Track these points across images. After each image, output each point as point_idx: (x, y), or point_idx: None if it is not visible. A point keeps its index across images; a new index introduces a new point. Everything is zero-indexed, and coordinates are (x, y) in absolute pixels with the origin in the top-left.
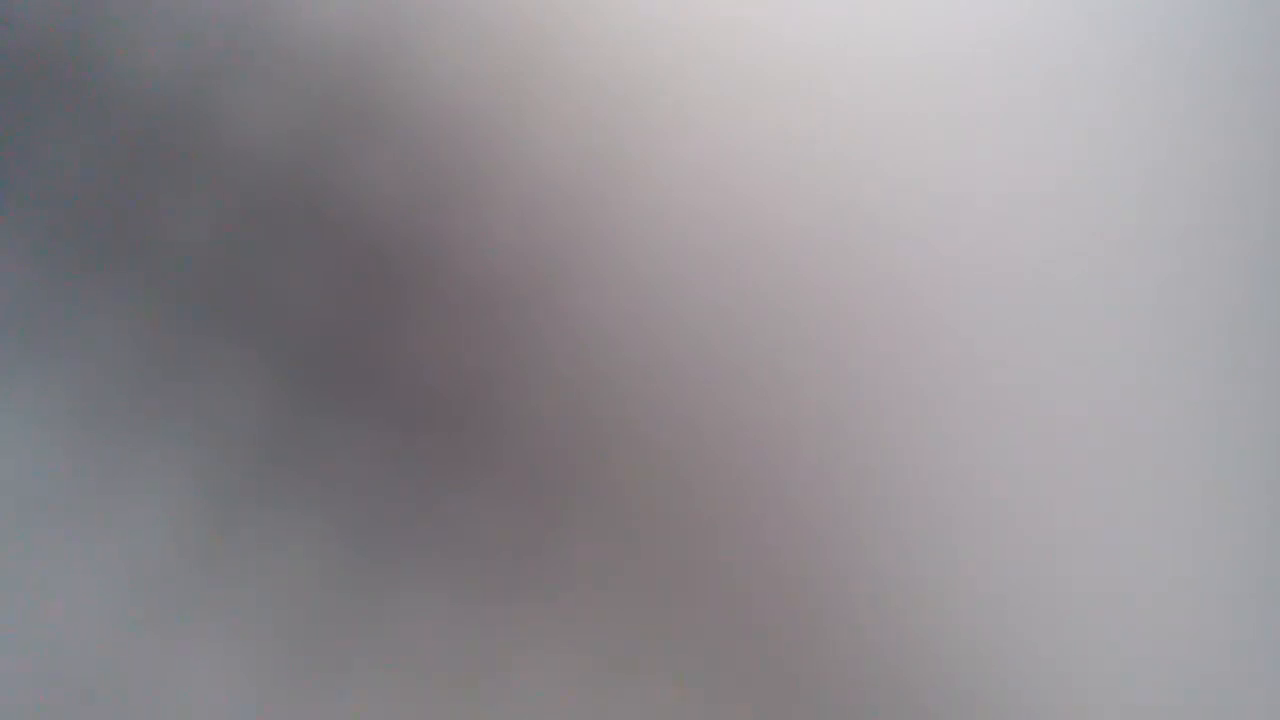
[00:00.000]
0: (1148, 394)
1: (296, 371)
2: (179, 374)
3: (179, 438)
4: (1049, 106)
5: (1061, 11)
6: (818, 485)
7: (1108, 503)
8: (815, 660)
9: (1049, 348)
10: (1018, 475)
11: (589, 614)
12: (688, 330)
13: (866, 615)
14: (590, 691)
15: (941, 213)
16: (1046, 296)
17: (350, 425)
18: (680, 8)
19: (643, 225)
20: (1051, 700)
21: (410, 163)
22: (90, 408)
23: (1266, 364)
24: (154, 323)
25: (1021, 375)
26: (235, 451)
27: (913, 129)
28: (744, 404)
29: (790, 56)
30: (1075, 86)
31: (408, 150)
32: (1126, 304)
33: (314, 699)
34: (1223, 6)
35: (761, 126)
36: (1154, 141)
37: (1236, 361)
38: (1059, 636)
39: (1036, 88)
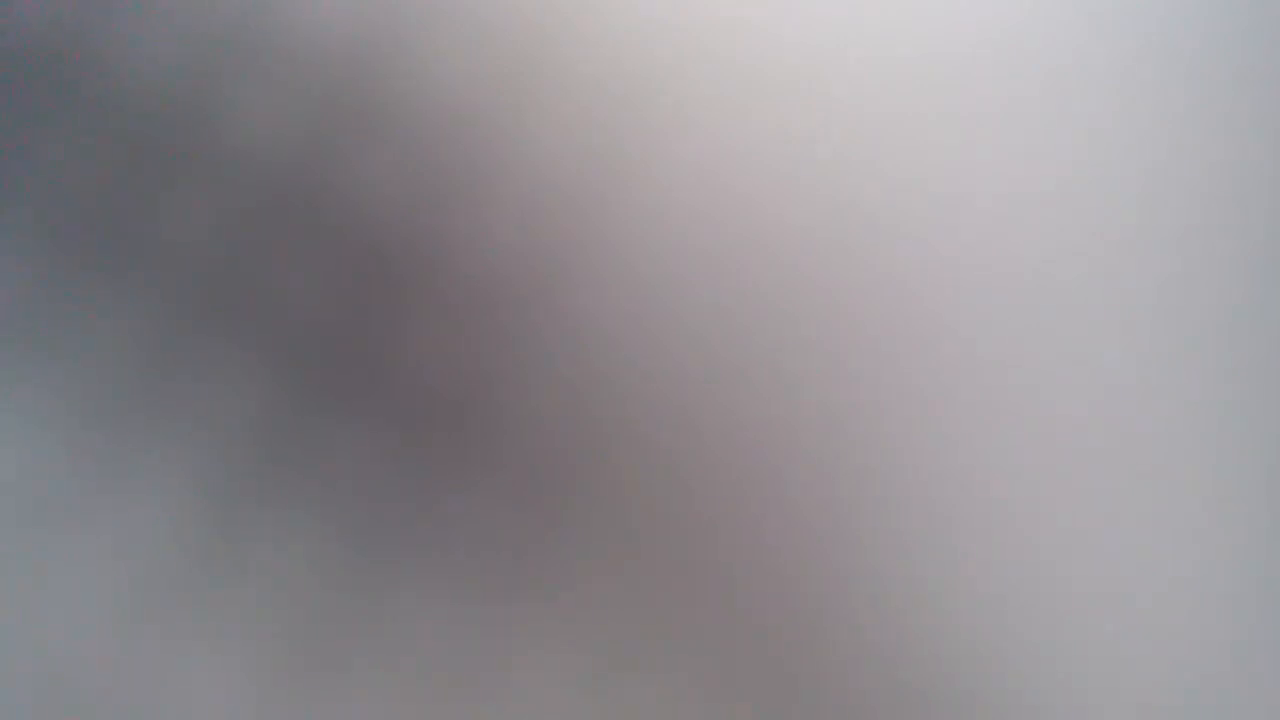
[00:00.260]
0: (1148, 394)
1: (296, 371)
2: (179, 374)
3: (179, 438)
4: (1049, 106)
5: (1061, 11)
6: (818, 485)
7: (1108, 503)
8: (815, 660)
9: (1049, 348)
10: (1018, 475)
11: (589, 614)
12: (688, 330)
13: (866, 615)
14: (590, 691)
15: (941, 213)
16: (1046, 296)
17: (350, 425)
18: (680, 8)
19: (643, 225)
20: (1051, 700)
21: (410, 163)
22: (90, 408)
23: (1266, 364)
24: (154, 323)
25: (1021, 375)
26: (235, 451)
27: (913, 129)
28: (744, 404)
29: (790, 56)
30: (1075, 86)
31: (408, 150)
32: (1126, 304)
33: (314, 699)
34: (1223, 6)
35: (761, 126)
36: (1154, 141)
37: (1236, 361)
38: (1059, 636)
39: (1036, 88)
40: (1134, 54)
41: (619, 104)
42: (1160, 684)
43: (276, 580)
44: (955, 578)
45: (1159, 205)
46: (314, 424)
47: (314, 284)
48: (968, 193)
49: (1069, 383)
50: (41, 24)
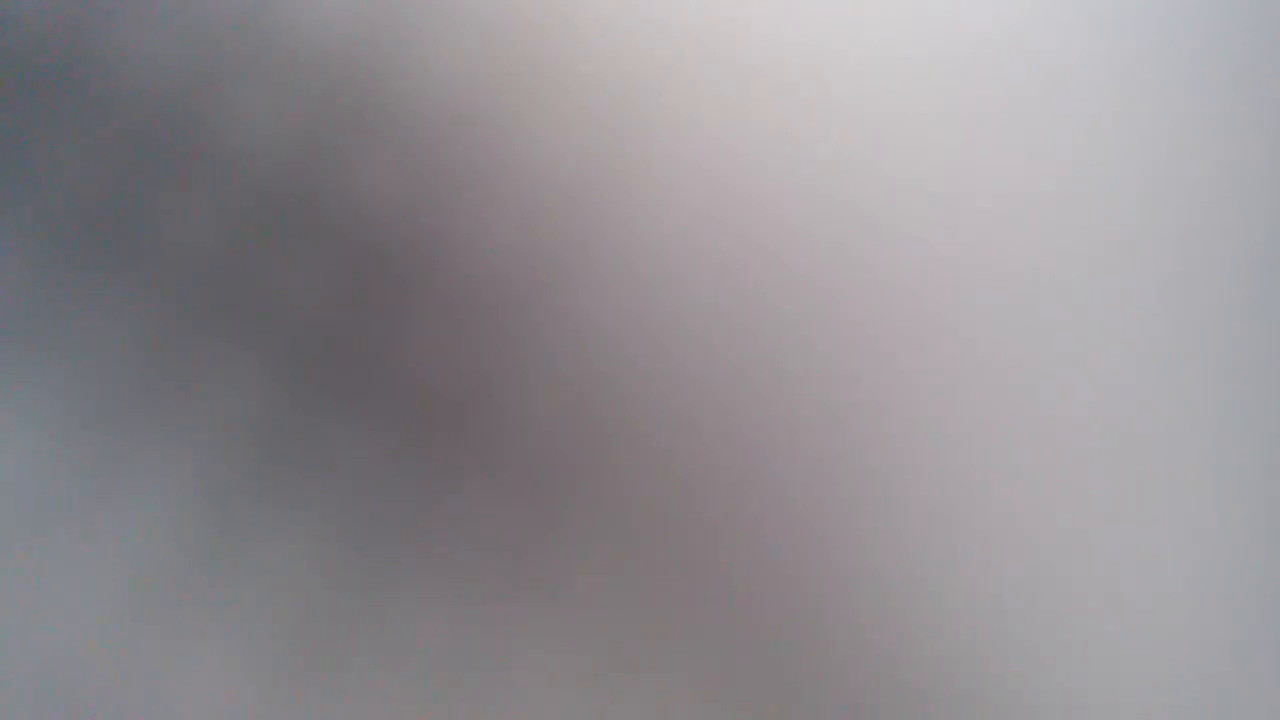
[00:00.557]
0: (1148, 394)
1: (296, 371)
2: (179, 374)
3: (179, 438)
4: (1049, 106)
5: (1061, 11)
6: (818, 485)
7: (1108, 503)
8: (815, 660)
9: (1049, 348)
10: (1018, 475)
11: (589, 614)
12: (688, 330)
13: (866, 615)
14: (590, 691)
15: (941, 213)
16: (1046, 296)
17: (350, 425)
18: (680, 8)
19: (643, 225)
20: (1051, 700)
21: (410, 163)
22: (90, 408)
23: (1266, 364)
24: (154, 323)
25: (1021, 375)
26: (235, 451)
27: (913, 129)
28: (744, 404)
29: (790, 56)
30: (1075, 86)
31: (408, 150)
32: (1126, 304)
33: (314, 699)
34: (1223, 6)
35: (761, 126)
36: (1154, 141)
37: (1236, 361)
38: (1059, 636)
39: (1036, 88)
40: (1134, 54)
41: (619, 104)
42: (1160, 684)
43: (276, 580)
44: (955, 578)
45: (1159, 205)
46: (314, 424)
47: (314, 284)
48: (968, 193)
49: (1069, 383)
50: (41, 24)
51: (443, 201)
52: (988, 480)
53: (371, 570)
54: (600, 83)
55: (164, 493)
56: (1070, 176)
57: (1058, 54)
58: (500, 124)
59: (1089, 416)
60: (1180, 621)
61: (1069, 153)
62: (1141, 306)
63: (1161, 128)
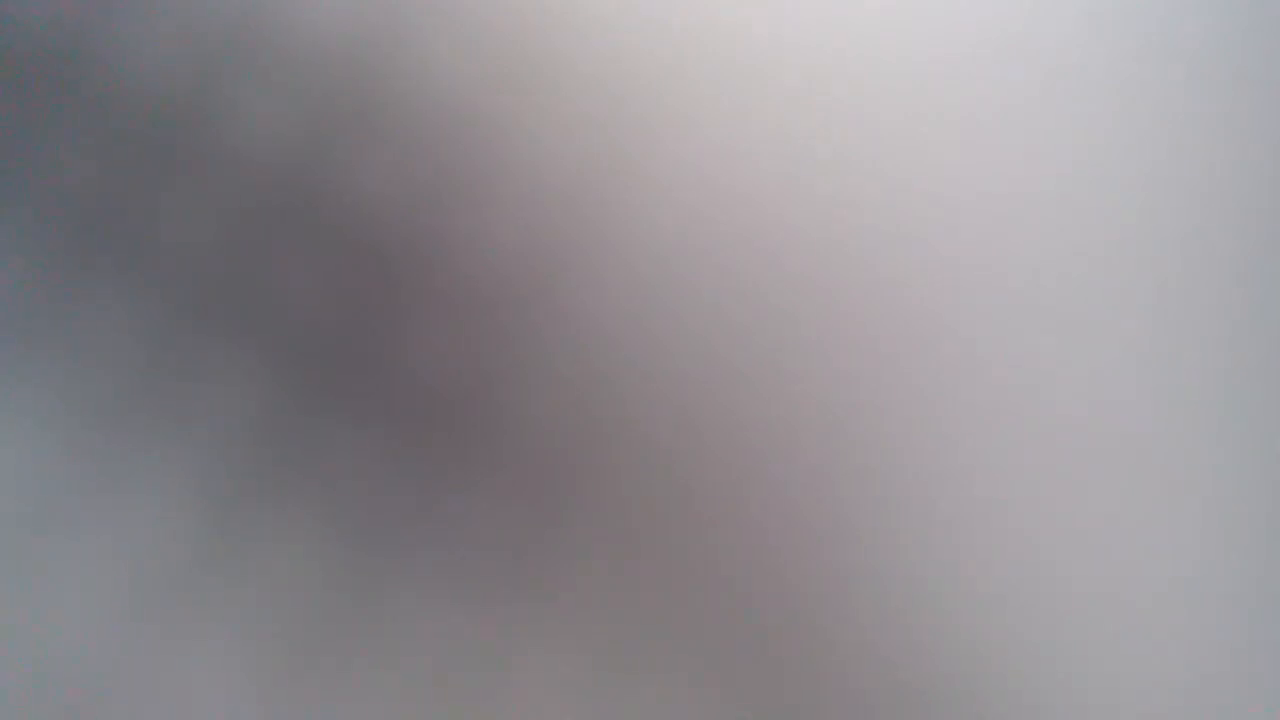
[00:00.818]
0: (1148, 394)
1: (296, 371)
2: (179, 374)
3: (179, 438)
4: (1049, 106)
5: (1061, 11)
6: (818, 485)
7: (1108, 503)
8: (815, 660)
9: (1049, 348)
10: (1018, 475)
11: (589, 614)
12: (688, 330)
13: (866, 615)
14: (590, 691)
15: (941, 213)
16: (1046, 296)
17: (350, 425)
18: (680, 8)
19: (643, 225)
20: (1051, 700)
21: (410, 163)
22: (90, 407)
23: (1266, 364)
24: (154, 323)
25: (1021, 375)
26: (235, 451)
27: (913, 129)
28: (744, 404)
29: (790, 56)
30: (1075, 86)
31: (408, 150)
32: (1126, 304)
33: (314, 699)
34: (1223, 6)
35: (761, 126)
36: (1154, 141)
37: (1236, 361)
38: (1059, 636)
39: (1036, 88)
40: (1134, 54)
41: (619, 104)
42: (1160, 684)
43: (276, 580)
44: (955, 578)
45: (1159, 205)
46: (314, 424)
47: (314, 284)
48: (968, 193)
49: (1069, 383)
50: (41, 24)
51: (443, 201)
52: (988, 480)
53: (371, 570)
54: (600, 83)
55: (164, 492)
56: (1070, 176)
57: (1058, 54)
58: (500, 124)
59: (1089, 416)
60: (1180, 621)
61: (1069, 153)
62: (1142, 306)
63: (1161, 128)
